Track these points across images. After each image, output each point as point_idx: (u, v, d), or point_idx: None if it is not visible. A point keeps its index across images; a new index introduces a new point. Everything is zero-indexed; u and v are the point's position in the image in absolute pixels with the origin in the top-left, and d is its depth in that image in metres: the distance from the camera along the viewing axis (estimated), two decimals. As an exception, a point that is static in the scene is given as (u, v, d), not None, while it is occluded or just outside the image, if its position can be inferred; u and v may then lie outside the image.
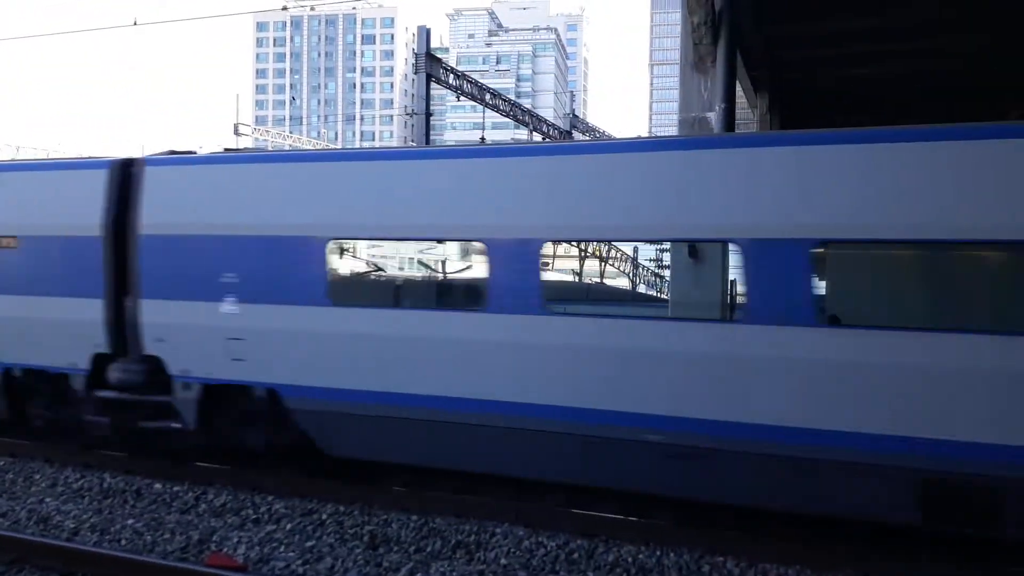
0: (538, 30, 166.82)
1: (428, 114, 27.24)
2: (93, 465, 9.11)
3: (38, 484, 8.53)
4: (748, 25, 13.70)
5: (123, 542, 6.86)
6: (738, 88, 14.26)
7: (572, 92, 56.16)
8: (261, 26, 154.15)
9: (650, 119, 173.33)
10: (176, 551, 6.67)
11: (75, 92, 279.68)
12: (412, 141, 39.09)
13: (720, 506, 7.17)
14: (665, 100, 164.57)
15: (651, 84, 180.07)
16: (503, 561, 6.62)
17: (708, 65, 11.20)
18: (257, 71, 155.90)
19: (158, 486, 8.41)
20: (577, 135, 43.91)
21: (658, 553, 6.70)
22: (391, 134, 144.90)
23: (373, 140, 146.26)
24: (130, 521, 7.34)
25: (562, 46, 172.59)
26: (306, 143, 59.69)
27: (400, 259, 8.86)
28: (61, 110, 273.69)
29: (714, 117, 11.03)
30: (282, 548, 6.76)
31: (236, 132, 47.01)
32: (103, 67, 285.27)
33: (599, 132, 48.88)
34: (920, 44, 14.89)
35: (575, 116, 46.24)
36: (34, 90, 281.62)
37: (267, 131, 60.80)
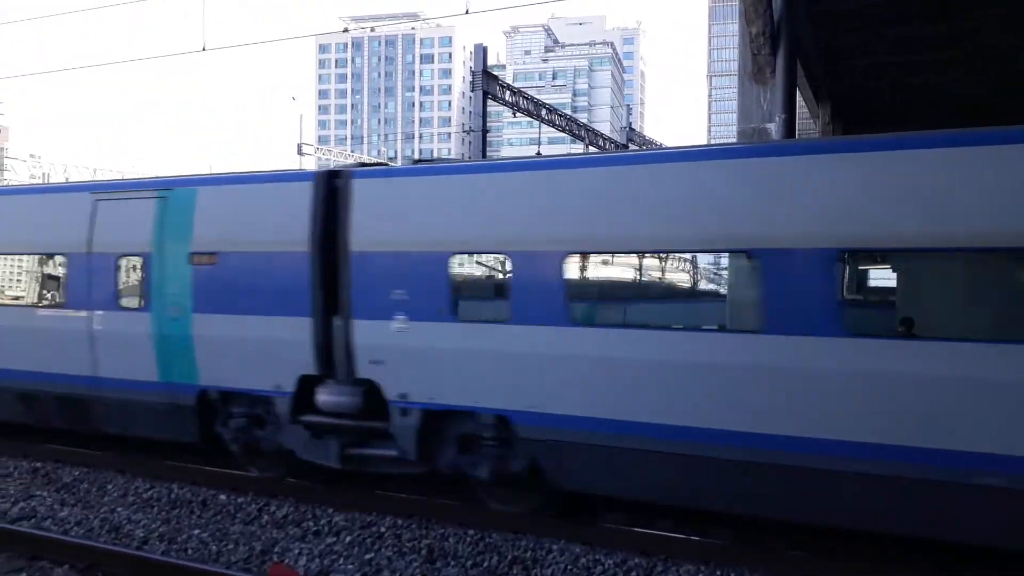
0: (594, 45, 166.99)
1: (485, 131, 27.44)
2: (162, 476, 9.38)
3: (110, 494, 8.84)
4: (808, 34, 13.45)
5: (190, 551, 7.05)
6: (799, 98, 14.00)
7: (629, 106, 55.95)
8: (323, 48, 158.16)
9: (709, 131, 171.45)
10: (239, 561, 6.82)
11: (147, 116, 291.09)
12: (469, 157, 39.46)
13: (779, 525, 6.99)
14: (724, 111, 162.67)
15: (709, 95, 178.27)
16: (560, 578, 6.57)
17: (767, 75, 11.03)
18: (319, 92, 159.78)
19: (223, 497, 8.62)
20: (633, 148, 43.68)
21: (718, 573, 6.57)
22: (449, 151, 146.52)
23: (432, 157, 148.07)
24: (196, 531, 7.54)
25: (618, 60, 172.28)
26: (368, 161, 60.75)
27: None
28: (134, 133, 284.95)
29: (774, 128, 10.85)
30: (341, 561, 6.85)
31: (299, 152, 48.19)
32: (174, 91, 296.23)
33: (656, 144, 48.55)
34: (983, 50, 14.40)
35: (632, 129, 46.01)
36: (109, 115, 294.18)
37: (329, 150, 62.16)
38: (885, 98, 18.07)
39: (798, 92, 13.38)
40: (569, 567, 6.74)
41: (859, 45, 14.62)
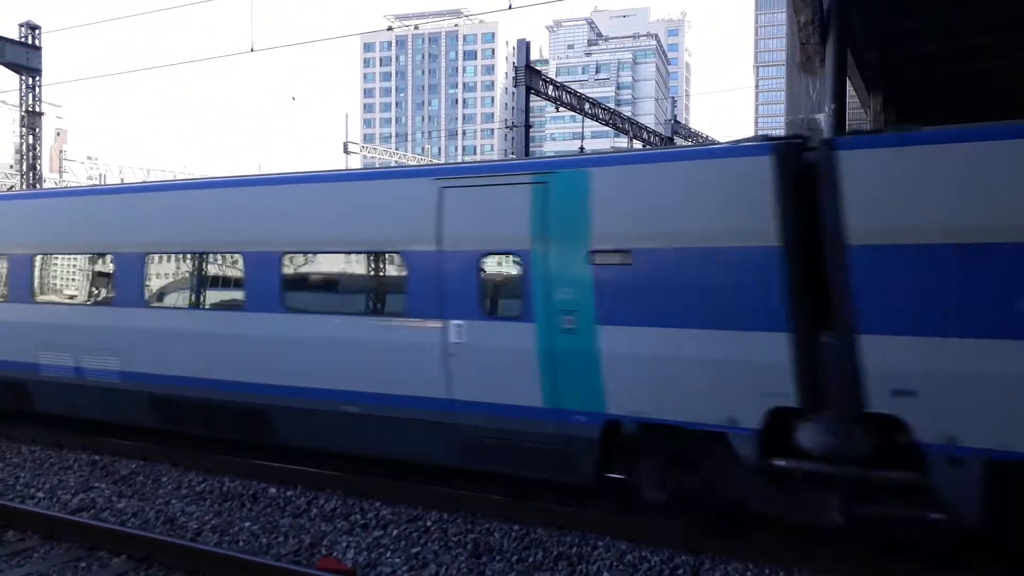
0: (638, 37, 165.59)
1: (527, 126, 27.42)
2: (214, 470, 9.59)
3: (165, 486, 9.07)
4: (858, 22, 13.14)
5: (241, 543, 7.20)
6: (849, 88, 13.70)
7: (674, 98, 55.18)
8: (368, 47, 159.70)
9: (756, 122, 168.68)
10: (289, 553, 6.94)
11: (197, 117, 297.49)
12: (513, 154, 39.47)
13: (831, 528, 6.85)
14: (771, 103, 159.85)
15: (756, 87, 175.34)
16: (606, 575, 6.55)
17: (816, 65, 10.80)
18: (364, 91, 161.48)
19: (273, 490, 8.78)
20: (679, 141, 43.22)
21: (766, 571, 6.47)
22: (492, 147, 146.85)
23: (475, 154, 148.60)
24: (247, 523, 7.69)
25: (663, 52, 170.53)
26: (411, 159, 61.25)
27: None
28: (185, 134, 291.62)
29: (823, 119, 10.63)
30: (388, 554, 6.92)
31: (345, 150, 48.79)
32: (222, 92, 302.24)
33: (702, 137, 47.96)
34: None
35: (677, 122, 45.52)
36: (161, 116, 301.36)
37: (374, 148, 62.78)
38: (940, 86, 17.57)
39: (848, 82, 13.08)
40: (615, 563, 6.71)
41: (913, 32, 14.24)
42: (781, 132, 9.28)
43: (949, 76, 16.78)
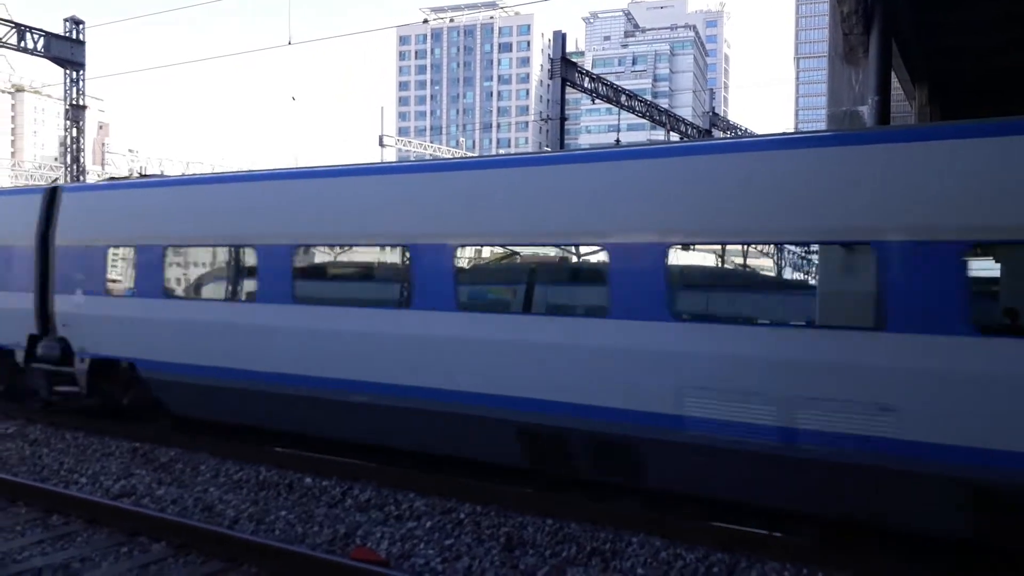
0: (676, 28, 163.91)
1: (563, 119, 27.30)
2: (250, 459, 9.72)
3: (203, 475, 9.21)
4: (904, 12, 12.82)
5: (277, 532, 7.28)
6: (893, 79, 13.38)
7: (712, 90, 54.57)
8: (403, 40, 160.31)
9: (796, 115, 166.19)
10: (324, 543, 7.00)
11: (235, 110, 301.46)
12: (547, 147, 39.32)
13: (866, 527, 6.73)
14: (812, 95, 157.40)
15: (797, 78, 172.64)
16: (639, 571, 6.49)
17: (859, 56, 10.58)
18: (399, 83, 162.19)
19: (308, 480, 8.87)
20: (717, 133, 42.72)
21: (804, 571, 6.37)
22: (526, 140, 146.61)
23: (509, 147, 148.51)
24: (283, 512, 7.78)
25: (701, 43, 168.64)
26: (446, 152, 61.37)
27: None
28: (223, 127, 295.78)
29: (866, 111, 10.40)
30: (422, 545, 6.94)
31: (381, 143, 49.03)
32: (261, 85, 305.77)
33: (740, 130, 47.33)
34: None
35: (715, 114, 44.99)
36: (199, 109, 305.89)
37: (409, 141, 63.03)
38: (989, 79, 17.09)
39: (892, 73, 12.78)
40: (649, 560, 6.65)
41: (960, 22, 13.85)
42: (819, 126, 9.11)
43: (997, 70, 16.31)
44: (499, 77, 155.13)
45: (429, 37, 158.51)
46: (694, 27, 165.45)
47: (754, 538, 6.91)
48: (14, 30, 26.64)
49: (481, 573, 6.38)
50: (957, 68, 16.45)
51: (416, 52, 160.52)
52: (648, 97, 52.67)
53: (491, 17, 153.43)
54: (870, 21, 10.47)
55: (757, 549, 6.77)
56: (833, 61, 10.95)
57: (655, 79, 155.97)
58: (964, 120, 6.35)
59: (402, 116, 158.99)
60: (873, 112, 10.32)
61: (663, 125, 38.46)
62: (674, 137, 38.42)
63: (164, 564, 6.49)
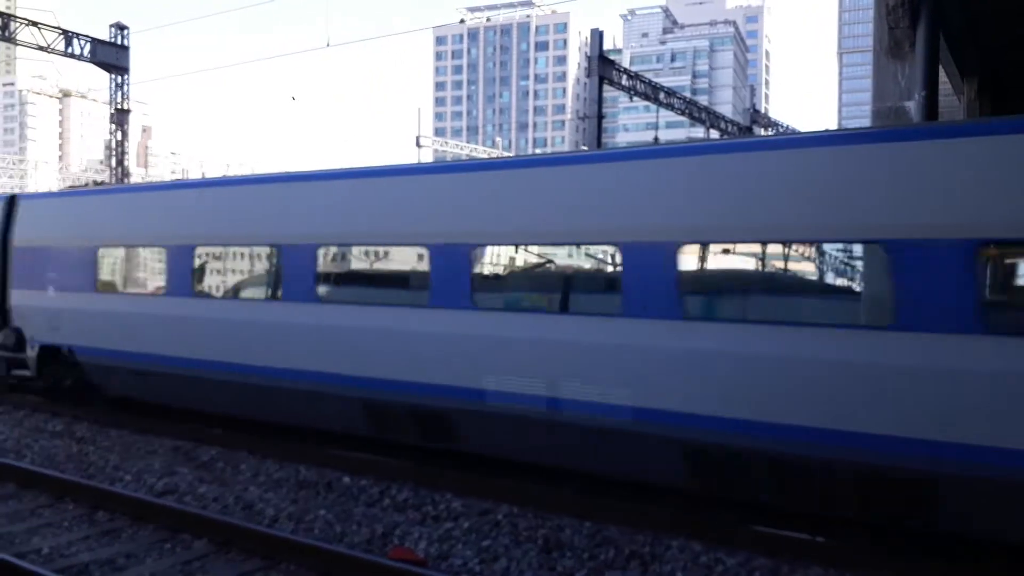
0: (715, 24, 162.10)
1: (600, 117, 27.15)
2: (290, 458, 9.81)
3: (243, 473, 9.32)
4: (952, 3, 12.47)
5: (316, 531, 7.33)
6: (940, 74, 13.02)
7: (752, 86, 53.79)
8: (440, 40, 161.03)
9: (839, 111, 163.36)
10: (362, 543, 7.02)
11: (274, 112, 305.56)
12: (584, 146, 39.15)
13: (915, 532, 6.55)
14: (856, 90, 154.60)
15: (840, 74, 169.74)
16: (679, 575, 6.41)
17: (905, 50, 10.30)
18: (436, 84, 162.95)
19: (347, 480, 8.92)
20: (758, 130, 42.13)
21: (850, 579, 6.23)
22: (562, 139, 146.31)
23: (545, 146, 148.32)
24: (322, 511, 7.83)
25: (741, 39, 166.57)
26: (482, 152, 61.50)
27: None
28: (262, 129, 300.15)
29: (913, 106, 10.13)
30: (460, 546, 6.93)
31: (418, 144, 49.32)
32: (298, 87, 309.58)
33: (782, 127, 46.62)
34: None
35: (756, 111, 44.37)
36: (238, 111, 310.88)
37: (446, 142, 63.30)
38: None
39: (940, 67, 12.44)
40: (689, 564, 6.55)
41: (1013, 12, 13.43)
42: (863, 122, 8.94)
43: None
44: (535, 76, 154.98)
45: (465, 37, 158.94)
46: (734, 23, 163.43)
47: (797, 543, 6.77)
48: (62, 36, 27.32)
49: (519, 575, 6.34)
50: (1009, 61, 15.96)
51: (452, 52, 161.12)
52: (687, 94, 52.11)
53: (527, 16, 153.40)
54: (917, 13, 10.20)
55: (800, 554, 6.63)
56: (878, 56, 10.68)
57: (694, 76, 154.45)
58: None
59: (439, 116, 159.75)
60: (920, 108, 10.04)
61: (702, 122, 38.06)
62: (714, 134, 37.99)
63: (206, 561, 6.57)
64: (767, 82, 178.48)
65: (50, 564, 6.39)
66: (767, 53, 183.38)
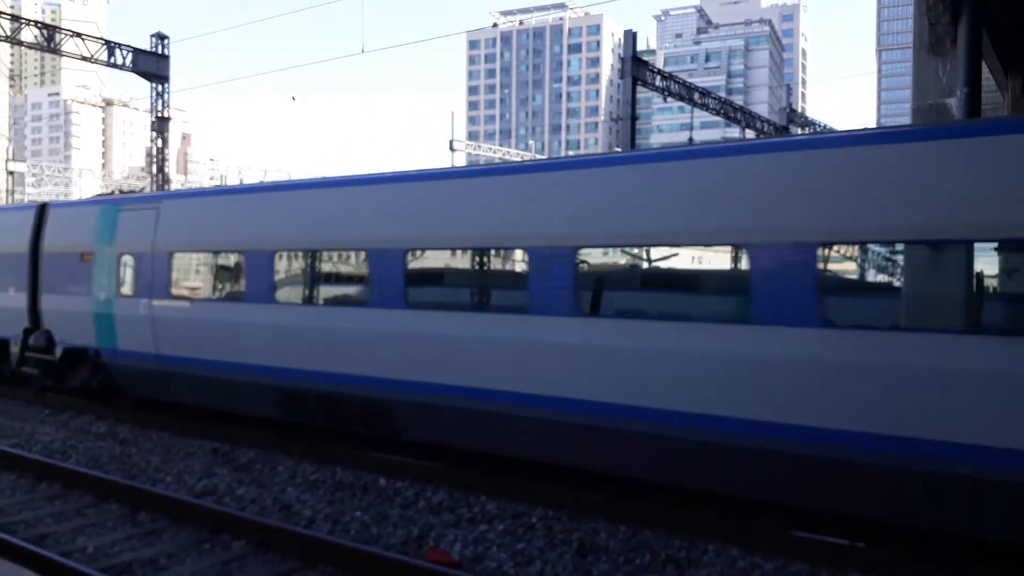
0: (750, 23, 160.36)
1: (633, 118, 27.01)
2: (326, 460, 9.91)
3: (281, 475, 9.43)
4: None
5: (352, 532, 7.39)
6: (984, 70, 12.73)
7: (788, 85, 53.15)
8: (473, 44, 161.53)
9: (878, 109, 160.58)
10: (398, 544, 7.07)
11: (309, 118, 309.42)
12: (618, 147, 39.00)
13: (956, 537, 6.39)
14: (895, 88, 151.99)
15: (879, 71, 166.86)
16: (716, 580, 6.34)
17: (947, 46, 10.11)
18: (469, 88, 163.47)
19: (382, 481, 8.99)
20: (794, 130, 41.57)
21: (891, 586, 6.10)
22: (596, 141, 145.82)
23: (578, 148, 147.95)
24: (358, 513, 7.90)
25: (777, 38, 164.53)
26: (515, 155, 61.57)
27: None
28: (298, 135, 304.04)
29: (955, 103, 9.93)
30: (494, 549, 6.94)
31: (451, 148, 49.54)
32: (334, 93, 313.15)
33: (819, 126, 45.94)
34: None
35: (792, 110, 43.79)
36: (276, 118, 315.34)
37: (479, 145, 63.49)
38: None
39: (983, 63, 12.16)
40: (725, 569, 6.48)
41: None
42: (903, 120, 8.78)
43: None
44: (568, 78, 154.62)
45: (498, 41, 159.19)
46: (769, 21, 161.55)
47: (836, 548, 6.65)
48: (104, 47, 27.97)
49: (553, 578, 6.32)
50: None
51: (485, 56, 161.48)
52: (722, 94, 51.64)
53: (560, 18, 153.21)
54: (958, 9, 9.99)
55: (839, 560, 6.52)
56: (918, 52, 10.51)
57: (729, 76, 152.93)
58: None
59: (472, 120, 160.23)
60: (962, 104, 9.83)
61: (738, 122, 37.68)
62: (750, 134, 37.59)
63: (244, 561, 6.66)
64: (804, 81, 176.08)
65: (95, 563, 6.53)
66: (804, 52, 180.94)
